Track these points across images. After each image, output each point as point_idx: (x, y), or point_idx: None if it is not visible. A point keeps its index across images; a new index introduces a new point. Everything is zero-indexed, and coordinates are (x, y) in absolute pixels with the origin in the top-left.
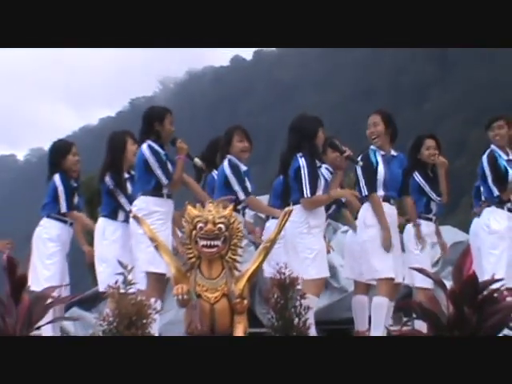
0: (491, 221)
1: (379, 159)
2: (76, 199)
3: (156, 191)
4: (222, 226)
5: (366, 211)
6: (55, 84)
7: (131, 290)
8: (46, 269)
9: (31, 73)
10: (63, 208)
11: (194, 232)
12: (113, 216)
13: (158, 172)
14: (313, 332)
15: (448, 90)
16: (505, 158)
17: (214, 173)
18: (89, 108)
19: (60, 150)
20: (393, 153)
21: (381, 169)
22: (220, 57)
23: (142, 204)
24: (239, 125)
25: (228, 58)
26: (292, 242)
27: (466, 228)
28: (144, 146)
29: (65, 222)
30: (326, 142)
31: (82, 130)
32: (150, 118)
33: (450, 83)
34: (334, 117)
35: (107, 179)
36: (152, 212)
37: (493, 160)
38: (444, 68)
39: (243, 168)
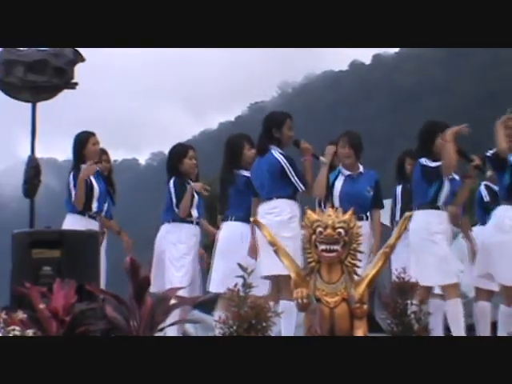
0: None
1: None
2: (196, 199)
3: (293, 196)
4: (341, 230)
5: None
6: (174, 88)
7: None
8: (178, 271)
9: (150, 76)
10: (177, 211)
11: (313, 236)
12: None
13: (296, 179)
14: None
15: None
16: None
17: None
18: (208, 113)
19: (177, 154)
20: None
21: None
22: (339, 61)
23: (287, 207)
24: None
25: (347, 63)
26: (415, 249)
27: None
28: (276, 154)
29: (190, 222)
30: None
31: (201, 134)
32: (269, 124)
33: None
34: (454, 122)
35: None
36: (294, 216)
37: None
38: None
39: None
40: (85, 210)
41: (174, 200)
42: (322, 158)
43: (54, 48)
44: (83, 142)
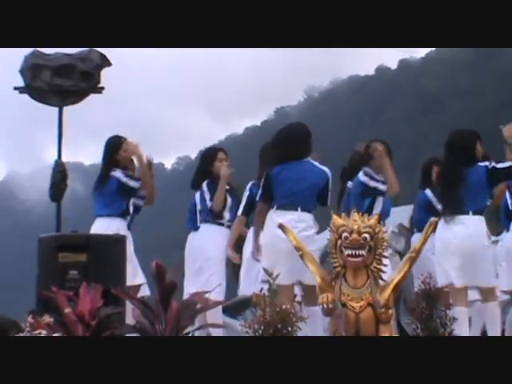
0: None
1: None
2: (229, 202)
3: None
4: (367, 235)
5: None
6: (200, 93)
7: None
8: (206, 273)
9: (176, 80)
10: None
11: (339, 241)
12: None
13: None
14: None
15: None
16: None
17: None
18: (234, 117)
19: (208, 157)
20: None
21: None
22: (365, 66)
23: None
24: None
25: (373, 67)
26: (476, 254)
27: None
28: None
29: (222, 224)
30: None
31: (227, 139)
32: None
33: None
34: (479, 127)
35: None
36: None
37: None
38: None
39: None
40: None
41: (209, 202)
42: None
43: (81, 52)
44: (115, 147)
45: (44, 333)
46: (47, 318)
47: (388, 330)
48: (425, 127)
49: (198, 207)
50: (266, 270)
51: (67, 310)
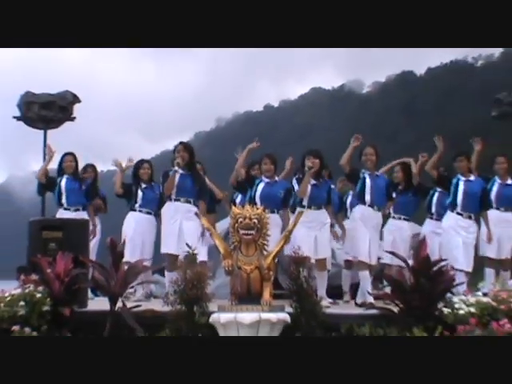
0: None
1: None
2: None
3: None
4: (255, 220)
5: None
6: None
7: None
8: None
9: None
10: None
11: (236, 224)
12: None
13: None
14: (321, 293)
15: None
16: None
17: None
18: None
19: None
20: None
21: None
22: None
23: None
24: None
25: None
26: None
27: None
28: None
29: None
30: None
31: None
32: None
33: None
34: None
35: None
36: None
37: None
38: None
39: None
40: None
41: None
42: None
43: (60, 93)
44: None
45: (32, 287)
46: (34, 276)
47: (269, 285)
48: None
49: None
50: (187, 245)
51: (48, 271)
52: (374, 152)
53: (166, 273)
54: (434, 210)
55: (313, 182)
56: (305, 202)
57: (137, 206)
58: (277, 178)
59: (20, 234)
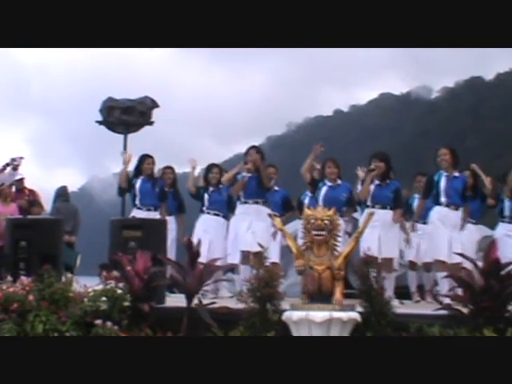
0: None
1: None
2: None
3: None
4: (327, 221)
5: None
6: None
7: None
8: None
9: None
10: None
11: (308, 225)
12: None
13: None
14: (389, 294)
15: None
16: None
17: None
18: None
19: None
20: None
21: None
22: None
23: None
24: None
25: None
26: None
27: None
28: None
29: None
30: None
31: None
32: None
33: None
34: None
35: None
36: None
37: None
38: None
39: None
40: None
41: None
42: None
43: (139, 98)
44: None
45: (113, 283)
46: (115, 273)
47: (340, 285)
48: None
49: None
50: (260, 245)
51: (128, 268)
52: (449, 152)
53: (241, 267)
54: (506, 213)
55: (376, 182)
56: (369, 202)
57: (204, 208)
58: (339, 182)
59: (101, 233)
